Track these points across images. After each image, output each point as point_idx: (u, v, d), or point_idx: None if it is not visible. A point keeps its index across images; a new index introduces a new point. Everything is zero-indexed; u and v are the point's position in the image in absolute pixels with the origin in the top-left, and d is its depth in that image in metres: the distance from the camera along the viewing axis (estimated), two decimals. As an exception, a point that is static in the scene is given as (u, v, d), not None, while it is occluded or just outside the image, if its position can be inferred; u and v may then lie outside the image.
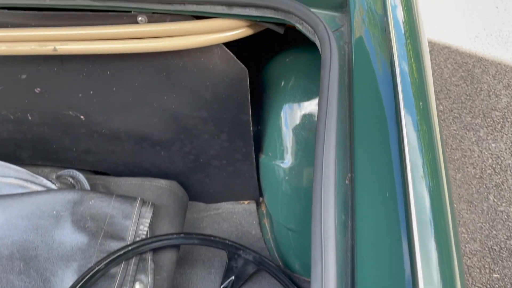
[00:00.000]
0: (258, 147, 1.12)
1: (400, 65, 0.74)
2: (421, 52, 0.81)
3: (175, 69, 0.93)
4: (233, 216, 1.28)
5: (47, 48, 0.86)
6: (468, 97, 2.25)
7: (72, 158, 1.16)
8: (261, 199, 1.31)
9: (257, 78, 1.13)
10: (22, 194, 1.02)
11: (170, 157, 1.14)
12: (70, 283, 0.89)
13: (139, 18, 0.86)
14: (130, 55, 0.89)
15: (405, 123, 0.65)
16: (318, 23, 0.76)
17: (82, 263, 0.91)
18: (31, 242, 0.96)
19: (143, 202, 1.04)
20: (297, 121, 0.98)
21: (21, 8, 0.86)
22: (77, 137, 1.10)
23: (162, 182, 1.15)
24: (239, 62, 0.92)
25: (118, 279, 0.88)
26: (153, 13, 0.84)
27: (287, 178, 1.00)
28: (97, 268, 0.88)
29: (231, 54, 0.90)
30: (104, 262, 0.89)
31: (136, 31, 0.85)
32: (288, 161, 0.99)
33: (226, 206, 1.30)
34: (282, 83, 1.05)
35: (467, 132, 2.10)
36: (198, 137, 1.06)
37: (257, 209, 1.29)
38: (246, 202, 1.30)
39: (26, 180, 1.07)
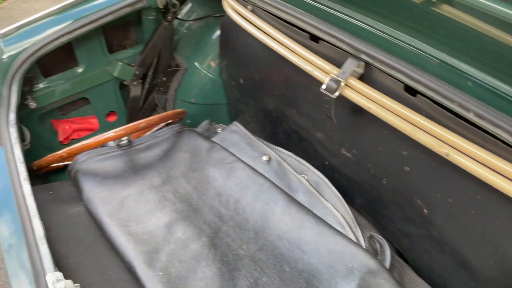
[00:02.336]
0: None
1: None
2: None
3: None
4: None
5: (440, 149, 0.91)
6: None
7: (393, 230, 1.21)
8: None
9: None
10: (338, 232, 1.15)
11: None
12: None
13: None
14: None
15: None
16: None
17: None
18: (320, 274, 1.09)
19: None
20: None
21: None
22: (408, 221, 1.14)
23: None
24: None
25: None
26: None
27: None
28: None
29: None
30: None
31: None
32: None
33: None
34: None
35: None
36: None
37: None
38: None
39: (347, 223, 1.21)
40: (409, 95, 1.01)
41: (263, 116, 1.64)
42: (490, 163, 0.84)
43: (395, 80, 1.02)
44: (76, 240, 1.17)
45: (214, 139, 1.60)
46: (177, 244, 1.15)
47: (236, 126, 1.61)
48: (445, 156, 0.90)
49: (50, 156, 1.37)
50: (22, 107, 1.55)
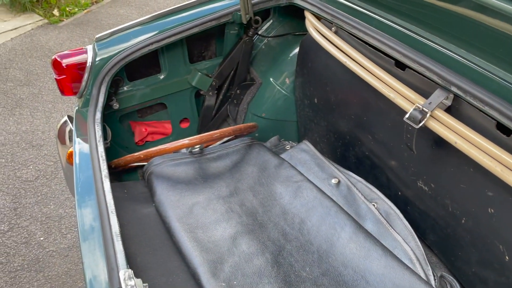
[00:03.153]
0: None
1: None
2: None
3: None
4: None
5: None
6: None
7: (468, 273, 1.15)
8: None
9: None
10: (407, 267, 1.11)
11: None
12: None
13: None
14: None
15: None
16: None
17: None
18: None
19: None
20: None
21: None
22: (486, 266, 1.07)
23: None
24: None
25: None
26: None
27: None
28: None
29: None
30: None
31: None
32: None
33: None
34: None
35: None
36: None
37: None
38: None
39: (418, 259, 1.15)
40: (501, 133, 0.95)
41: (335, 138, 1.62)
42: None
43: (487, 116, 0.97)
44: (145, 240, 1.21)
45: (283, 156, 1.60)
46: (241, 257, 1.16)
47: (306, 145, 1.60)
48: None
49: (128, 156, 1.44)
50: (106, 107, 1.65)
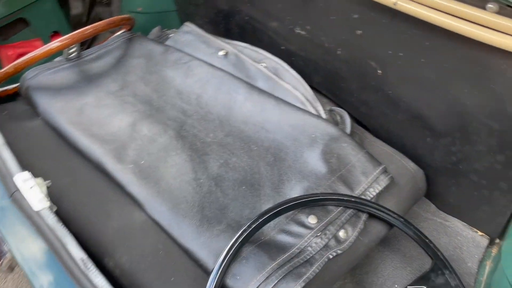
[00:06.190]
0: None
1: None
2: None
3: (495, 68, 0.86)
4: (457, 237, 1.19)
5: (388, 0, 0.92)
6: None
7: (352, 101, 1.25)
8: (497, 240, 1.16)
9: None
10: (299, 108, 1.19)
11: (432, 147, 1.11)
12: (294, 195, 1.02)
13: (489, 5, 0.81)
14: (458, 35, 0.86)
15: None
16: None
17: (311, 186, 1.03)
18: (286, 147, 1.13)
19: (384, 171, 1.06)
20: None
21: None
22: (364, 87, 1.18)
23: (411, 165, 1.14)
24: None
25: (331, 216, 0.96)
26: (508, 6, 0.78)
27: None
28: (318, 198, 0.97)
29: None
30: (323, 197, 0.97)
31: (481, 17, 0.81)
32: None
33: (456, 224, 1.21)
34: None
35: None
36: (473, 144, 0.99)
37: (487, 246, 1.16)
38: (479, 232, 1.18)
39: (308, 100, 1.24)
40: None
41: (215, 13, 1.60)
42: (435, 4, 0.86)
43: None
44: (39, 150, 1.15)
45: (167, 42, 1.56)
46: (144, 140, 1.15)
47: (188, 26, 1.56)
48: (393, 6, 0.91)
49: (-5, 74, 1.30)
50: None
